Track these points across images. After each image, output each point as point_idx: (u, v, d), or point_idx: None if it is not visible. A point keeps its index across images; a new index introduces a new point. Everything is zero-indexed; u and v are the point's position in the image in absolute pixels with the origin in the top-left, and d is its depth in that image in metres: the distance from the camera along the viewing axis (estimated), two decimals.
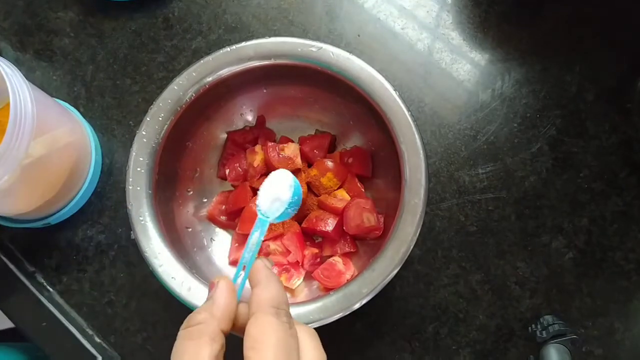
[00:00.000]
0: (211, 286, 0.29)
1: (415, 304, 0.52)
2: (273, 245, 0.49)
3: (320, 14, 0.60)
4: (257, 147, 0.51)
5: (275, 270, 0.48)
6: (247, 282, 0.31)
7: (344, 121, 0.52)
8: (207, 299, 0.29)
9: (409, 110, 0.44)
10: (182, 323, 0.28)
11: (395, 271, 0.40)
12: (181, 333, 0.27)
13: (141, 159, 0.44)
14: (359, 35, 0.59)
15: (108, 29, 0.60)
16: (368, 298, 0.40)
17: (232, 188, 0.53)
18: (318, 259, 0.50)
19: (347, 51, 0.45)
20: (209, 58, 0.46)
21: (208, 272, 0.47)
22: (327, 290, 0.46)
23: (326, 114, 0.52)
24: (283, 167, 0.49)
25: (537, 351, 0.49)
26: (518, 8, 0.59)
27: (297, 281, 0.48)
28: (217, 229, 0.52)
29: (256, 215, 0.49)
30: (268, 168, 0.51)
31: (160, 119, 0.45)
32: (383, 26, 0.59)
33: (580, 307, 0.51)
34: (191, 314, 0.28)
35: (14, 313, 0.53)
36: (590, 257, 0.53)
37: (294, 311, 0.40)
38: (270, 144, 0.50)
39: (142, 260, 0.42)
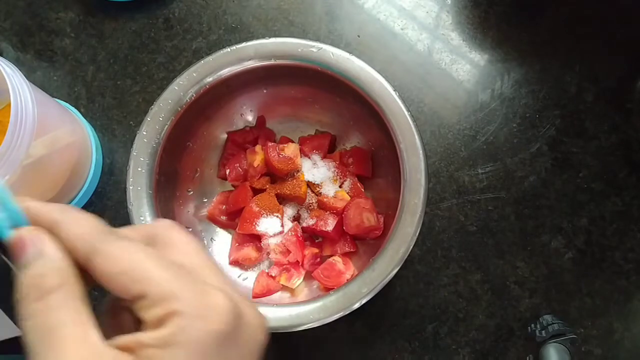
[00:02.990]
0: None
1: (415, 303, 0.52)
2: (273, 245, 0.49)
3: (320, 15, 0.60)
4: (257, 147, 0.51)
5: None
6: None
7: (344, 121, 0.52)
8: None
9: (408, 110, 0.44)
10: None
11: (395, 271, 0.40)
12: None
13: (142, 159, 0.44)
14: (358, 36, 0.59)
15: (108, 30, 0.60)
16: (368, 298, 0.40)
17: (232, 188, 0.53)
18: (318, 259, 0.50)
19: (347, 52, 0.45)
20: (210, 58, 0.46)
21: None
22: (327, 290, 0.46)
23: (326, 114, 0.52)
24: (283, 167, 0.49)
25: (536, 351, 0.49)
26: (517, 8, 0.59)
27: (297, 281, 0.48)
28: (218, 229, 0.52)
29: (256, 215, 0.49)
30: (268, 168, 0.51)
31: (161, 119, 0.45)
32: (383, 27, 0.59)
33: (580, 307, 0.51)
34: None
35: (15, 313, 0.53)
36: (589, 257, 0.53)
37: (295, 311, 0.40)
38: (270, 144, 0.50)
39: None
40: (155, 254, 0.20)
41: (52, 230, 0.20)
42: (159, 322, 0.19)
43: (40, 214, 0.20)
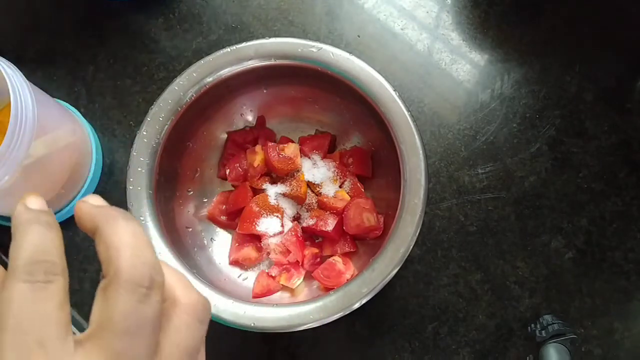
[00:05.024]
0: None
1: (415, 303, 0.52)
2: (273, 245, 0.49)
3: (320, 15, 0.60)
4: (257, 147, 0.51)
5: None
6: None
7: (344, 121, 0.52)
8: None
9: (408, 110, 0.44)
10: None
11: (395, 271, 0.40)
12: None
13: (142, 159, 0.44)
14: (358, 36, 0.59)
15: (108, 29, 0.60)
16: (368, 298, 0.40)
17: (232, 188, 0.53)
18: (318, 259, 0.50)
19: (347, 51, 0.45)
20: (210, 58, 0.46)
21: (208, 272, 0.47)
22: (327, 290, 0.46)
23: (326, 114, 0.52)
24: (283, 167, 0.49)
25: (536, 351, 0.49)
26: (517, 8, 0.59)
27: (297, 281, 0.48)
28: (218, 229, 0.52)
29: (256, 215, 0.49)
30: (268, 168, 0.51)
31: (161, 119, 0.45)
32: (383, 27, 0.60)
33: (580, 307, 0.51)
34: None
35: None
36: (589, 257, 0.53)
37: (295, 311, 0.40)
38: (270, 144, 0.50)
39: None
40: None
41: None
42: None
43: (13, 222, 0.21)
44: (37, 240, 0.19)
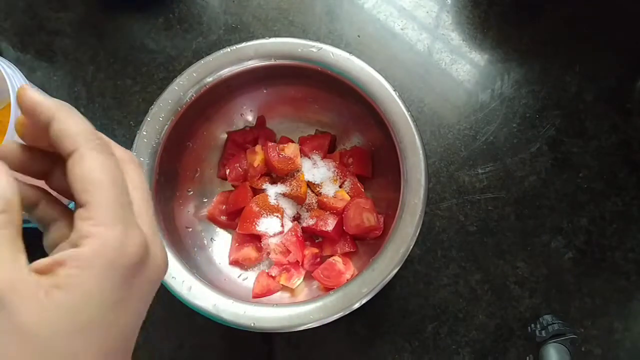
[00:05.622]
0: None
1: (415, 303, 0.52)
2: (273, 245, 0.49)
3: (320, 15, 0.60)
4: (257, 147, 0.51)
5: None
6: None
7: (344, 121, 0.52)
8: None
9: (408, 110, 0.44)
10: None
11: (395, 271, 0.40)
12: None
13: (142, 159, 0.44)
14: (358, 36, 0.59)
15: (108, 29, 0.60)
16: (368, 298, 0.40)
17: (232, 188, 0.53)
18: (318, 259, 0.50)
19: (347, 52, 0.45)
20: (209, 58, 0.46)
21: (208, 272, 0.47)
22: (327, 290, 0.46)
23: (326, 114, 0.52)
24: (283, 167, 0.49)
25: (536, 351, 0.49)
26: (517, 8, 0.59)
27: (297, 281, 0.48)
28: (218, 229, 0.52)
29: (256, 215, 0.49)
30: (268, 168, 0.51)
31: (161, 119, 0.45)
32: (383, 27, 0.60)
33: (580, 307, 0.51)
34: None
35: None
36: (589, 257, 0.53)
37: (295, 311, 0.40)
38: (270, 144, 0.50)
39: None
40: (118, 179, 0.22)
41: (45, 123, 0.22)
42: (81, 238, 0.21)
43: (39, 106, 0.22)
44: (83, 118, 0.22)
